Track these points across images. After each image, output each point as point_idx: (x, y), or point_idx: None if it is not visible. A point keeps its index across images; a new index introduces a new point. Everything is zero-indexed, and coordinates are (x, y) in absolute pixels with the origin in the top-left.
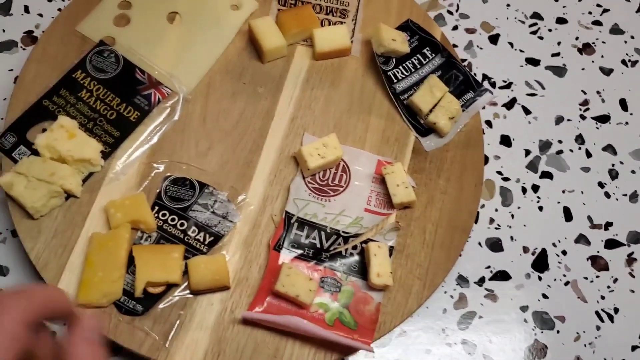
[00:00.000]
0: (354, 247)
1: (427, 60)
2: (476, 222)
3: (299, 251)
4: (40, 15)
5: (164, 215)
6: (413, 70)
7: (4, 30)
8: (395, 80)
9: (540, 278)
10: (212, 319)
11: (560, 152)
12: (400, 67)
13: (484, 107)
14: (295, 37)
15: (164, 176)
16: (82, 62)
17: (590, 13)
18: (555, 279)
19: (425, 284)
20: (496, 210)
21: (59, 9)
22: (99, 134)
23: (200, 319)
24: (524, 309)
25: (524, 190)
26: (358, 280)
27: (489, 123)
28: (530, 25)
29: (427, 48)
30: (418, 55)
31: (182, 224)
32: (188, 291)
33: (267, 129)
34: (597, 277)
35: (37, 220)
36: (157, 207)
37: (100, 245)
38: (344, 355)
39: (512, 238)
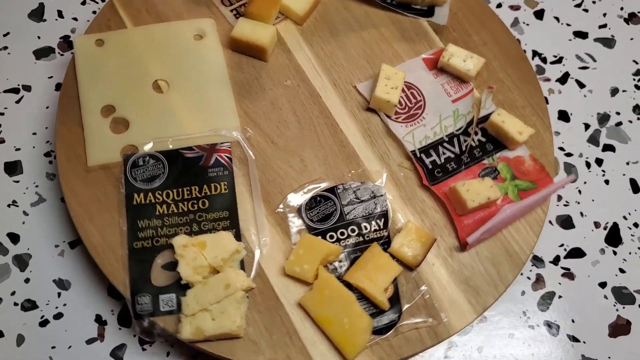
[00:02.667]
0: (476, 134)
1: None
2: None
3: (446, 171)
4: (75, 19)
5: (331, 237)
6: None
7: (39, 37)
8: None
9: (615, 253)
10: (444, 273)
11: (619, 123)
12: None
13: None
14: (273, 18)
15: (296, 210)
16: (130, 186)
17: None
18: (630, 253)
19: (538, 115)
20: (562, 186)
21: (94, 12)
22: (211, 227)
23: (437, 282)
24: (602, 285)
25: (587, 164)
26: (501, 153)
27: (545, 100)
28: None
29: None
30: None
31: (352, 230)
32: (409, 272)
33: (325, 107)
34: None
35: (243, 337)
36: (320, 236)
37: (318, 302)
38: (546, 210)
39: (582, 214)
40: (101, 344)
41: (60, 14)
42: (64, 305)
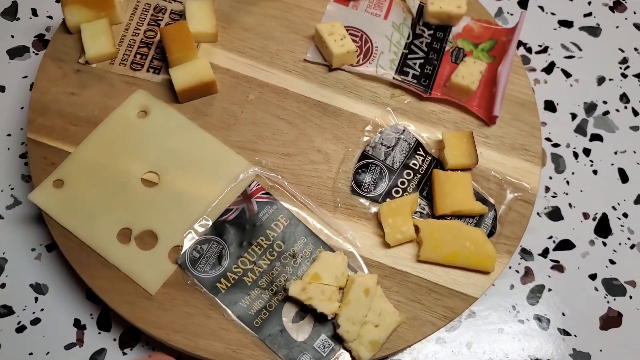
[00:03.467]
0: (423, 31)
1: None
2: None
3: (428, 76)
4: (50, 17)
5: (397, 192)
6: None
7: (12, 36)
8: None
9: (604, 244)
10: (493, 153)
11: (606, 112)
12: None
13: None
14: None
15: (352, 194)
16: (206, 281)
17: None
18: (620, 243)
19: None
20: (550, 178)
21: None
22: (302, 260)
23: (495, 163)
24: (592, 277)
25: (575, 155)
26: (451, 33)
27: None
28: None
29: None
30: None
31: (408, 174)
32: (472, 171)
33: (297, 94)
34: None
35: (405, 321)
36: (387, 198)
37: (435, 248)
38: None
39: (570, 205)
40: (80, 349)
41: (34, 12)
42: (42, 310)
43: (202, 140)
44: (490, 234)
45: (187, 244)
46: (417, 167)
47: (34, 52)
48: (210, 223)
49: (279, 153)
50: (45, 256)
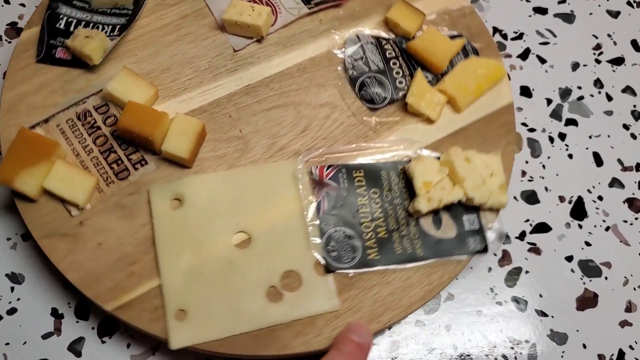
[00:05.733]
0: None
1: None
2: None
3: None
4: (23, 5)
5: (400, 82)
6: None
7: None
8: None
9: (580, 226)
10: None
11: (581, 97)
12: None
13: None
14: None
15: (370, 111)
16: (360, 264)
17: None
18: (595, 226)
19: None
20: (526, 162)
21: None
22: (396, 190)
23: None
24: (568, 259)
25: (551, 139)
26: None
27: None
28: None
29: None
30: None
31: (394, 63)
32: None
33: (259, 82)
34: (636, 219)
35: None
36: (399, 92)
37: (464, 95)
38: None
39: (546, 189)
40: (58, 338)
41: (6, 1)
42: (18, 300)
43: (240, 176)
44: (477, 54)
45: (319, 255)
46: (395, 54)
47: (6, 40)
48: (317, 223)
49: (297, 134)
50: (21, 245)
